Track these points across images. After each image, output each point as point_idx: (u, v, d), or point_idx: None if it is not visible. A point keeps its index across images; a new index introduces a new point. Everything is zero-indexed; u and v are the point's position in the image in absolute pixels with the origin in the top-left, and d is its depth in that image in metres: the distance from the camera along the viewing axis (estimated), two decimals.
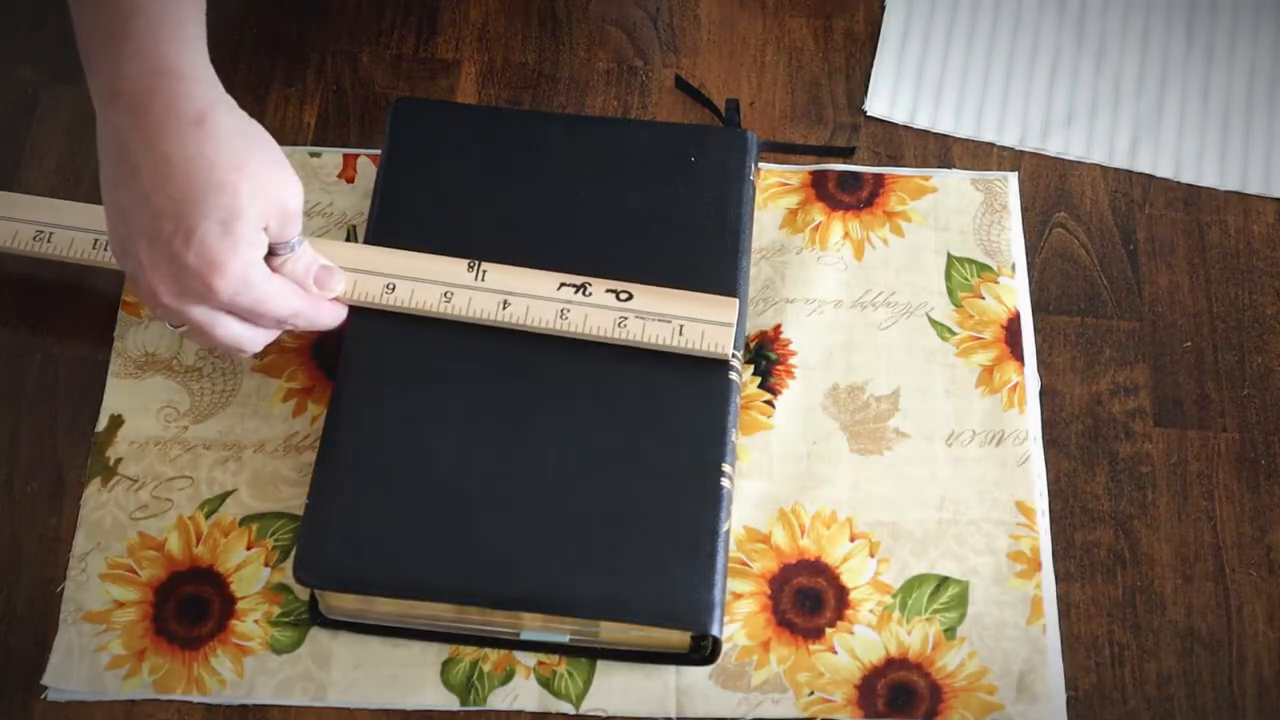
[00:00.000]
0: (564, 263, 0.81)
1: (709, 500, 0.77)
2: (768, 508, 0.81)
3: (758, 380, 0.84)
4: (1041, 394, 0.85)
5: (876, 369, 0.85)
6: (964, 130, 0.93)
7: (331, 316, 0.80)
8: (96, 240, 0.83)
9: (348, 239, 0.88)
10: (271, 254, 0.76)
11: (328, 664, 0.77)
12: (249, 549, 0.80)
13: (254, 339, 0.78)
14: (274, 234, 0.75)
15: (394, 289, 0.80)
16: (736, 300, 0.81)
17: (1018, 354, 0.85)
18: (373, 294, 0.80)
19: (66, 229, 0.84)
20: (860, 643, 0.78)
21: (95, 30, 0.73)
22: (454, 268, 0.81)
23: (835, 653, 0.78)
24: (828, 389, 0.84)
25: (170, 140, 0.72)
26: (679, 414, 0.79)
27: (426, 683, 0.77)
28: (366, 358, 0.80)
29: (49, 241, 0.84)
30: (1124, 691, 0.78)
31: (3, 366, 0.85)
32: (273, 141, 0.75)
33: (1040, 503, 0.82)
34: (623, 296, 0.81)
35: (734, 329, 0.80)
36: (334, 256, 0.80)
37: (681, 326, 0.80)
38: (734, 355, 0.80)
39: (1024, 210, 0.90)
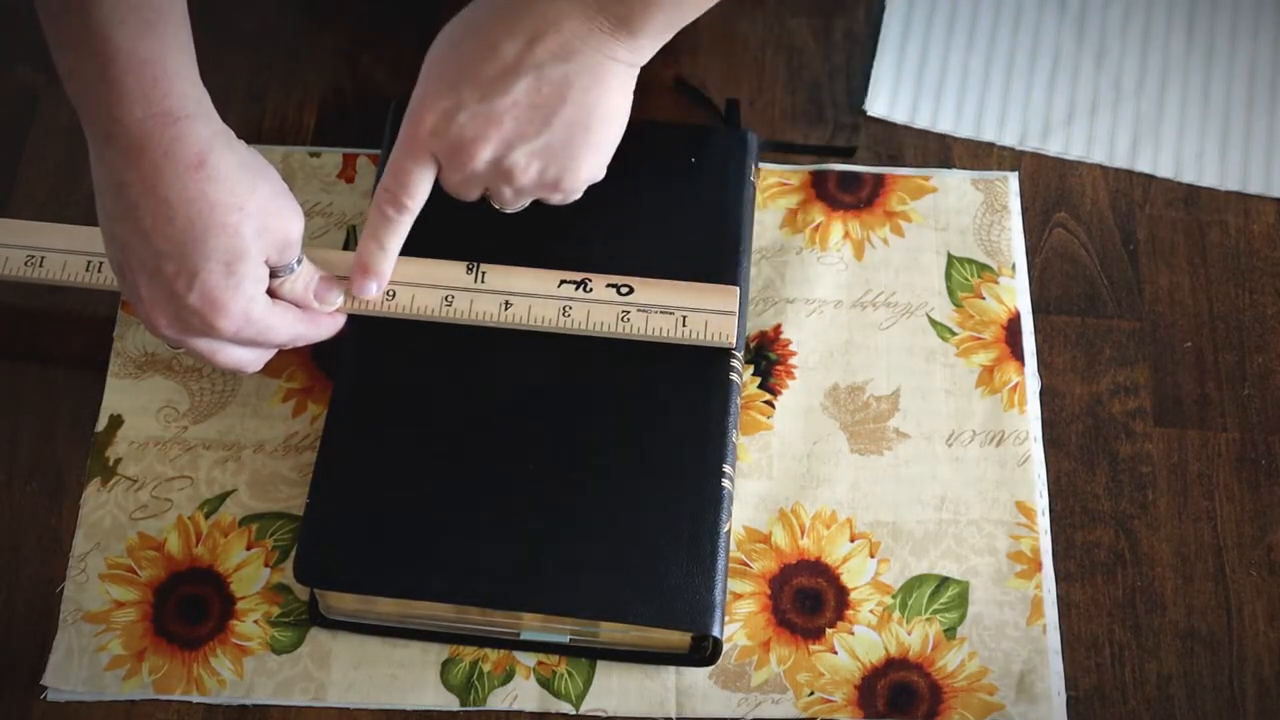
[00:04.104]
0: (564, 263, 0.81)
1: (709, 500, 0.77)
2: (768, 508, 0.81)
3: (758, 380, 0.84)
4: (1041, 394, 0.85)
5: (876, 369, 0.85)
6: (964, 130, 0.93)
7: (331, 329, 0.80)
8: (89, 262, 0.82)
9: (347, 239, 0.88)
10: (271, 275, 0.76)
11: (327, 664, 0.77)
12: (249, 549, 0.80)
13: (254, 361, 0.79)
14: (274, 261, 0.75)
15: (394, 295, 0.80)
16: (737, 289, 0.81)
17: (1018, 354, 0.85)
18: (373, 302, 0.80)
19: (58, 252, 0.83)
20: (860, 643, 0.78)
21: (77, 76, 0.70)
22: (453, 271, 0.81)
23: (835, 653, 0.78)
24: (828, 389, 0.84)
25: (169, 184, 0.71)
26: (679, 415, 0.79)
27: (426, 683, 0.77)
28: (366, 357, 0.80)
29: (41, 266, 0.82)
30: (1124, 691, 0.78)
31: (3, 366, 0.85)
32: (274, 172, 0.75)
33: (1040, 503, 0.82)
34: (624, 290, 0.81)
35: (736, 316, 0.80)
36: (333, 266, 0.80)
37: (684, 317, 0.80)
38: (734, 354, 0.80)
39: (1024, 210, 0.90)
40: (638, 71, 0.76)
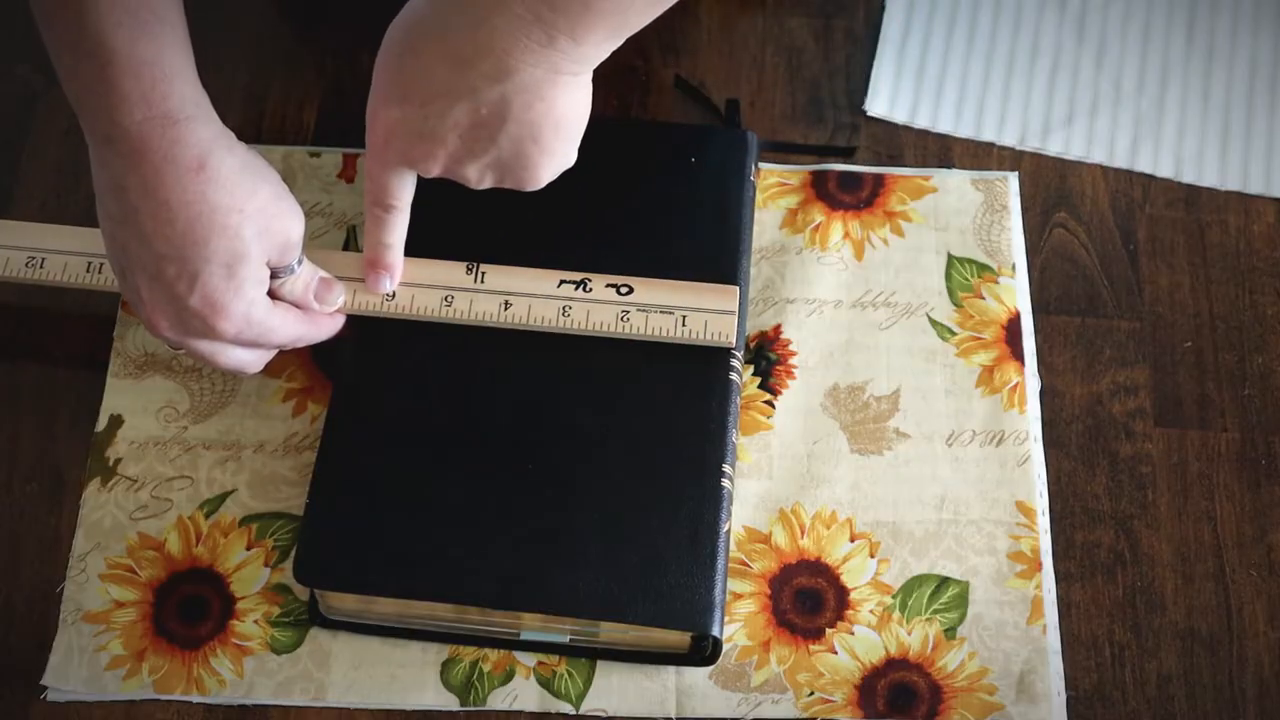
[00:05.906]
0: (564, 264, 0.81)
1: (709, 500, 0.77)
2: (768, 508, 0.81)
3: (758, 380, 0.84)
4: (1041, 394, 0.85)
5: (876, 369, 0.85)
6: (964, 130, 0.93)
7: (331, 329, 0.80)
8: (90, 263, 0.82)
9: (347, 239, 0.88)
10: (272, 276, 0.76)
11: (327, 664, 0.77)
12: (249, 549, 0.80)
13: (255, 362, 0.79)
14: (275, 263, 0.75)
15: (394, 296, 0.80)
16: (737, 288, 0.81)
17: (1018, 354, 0.85)
18: (373, 303, 0.80)
19: (59, 253, 0.83)
20: (860, 643, 0.78)
21: (76, 78, 0.70)
22: (453, 271, 0.81)
23: (835, 653, 0.78)
24: (828, 389, 0.84)
25: (170, 187, 0.71)
26: (679, 414, 0.79)
27: (426, 683, 0.77)
28: (366, 357, 0.80)
29: (41, 267, 0.82)
30: (1124, 691, 0.78)
31: (3, 366, 0.85)
32: (274, 173, 0.75)
33: (1040, 503, 0.82)
34: (623, 290, 0.81)
35: (736, 316, 0.80)
36: (332, 266, 0.80)
37: (684, 317, 0.80)
38: (734, 354, 0.80)
39: (1024, 210, 0.90)
40: (590, 72, 0.72)
